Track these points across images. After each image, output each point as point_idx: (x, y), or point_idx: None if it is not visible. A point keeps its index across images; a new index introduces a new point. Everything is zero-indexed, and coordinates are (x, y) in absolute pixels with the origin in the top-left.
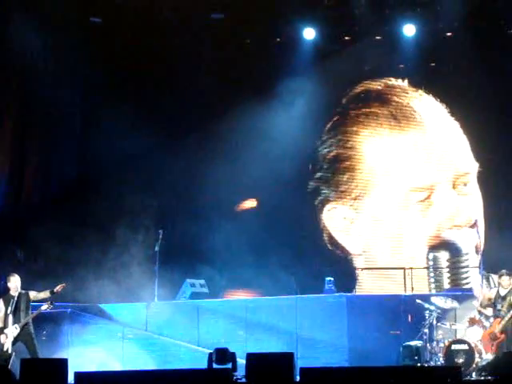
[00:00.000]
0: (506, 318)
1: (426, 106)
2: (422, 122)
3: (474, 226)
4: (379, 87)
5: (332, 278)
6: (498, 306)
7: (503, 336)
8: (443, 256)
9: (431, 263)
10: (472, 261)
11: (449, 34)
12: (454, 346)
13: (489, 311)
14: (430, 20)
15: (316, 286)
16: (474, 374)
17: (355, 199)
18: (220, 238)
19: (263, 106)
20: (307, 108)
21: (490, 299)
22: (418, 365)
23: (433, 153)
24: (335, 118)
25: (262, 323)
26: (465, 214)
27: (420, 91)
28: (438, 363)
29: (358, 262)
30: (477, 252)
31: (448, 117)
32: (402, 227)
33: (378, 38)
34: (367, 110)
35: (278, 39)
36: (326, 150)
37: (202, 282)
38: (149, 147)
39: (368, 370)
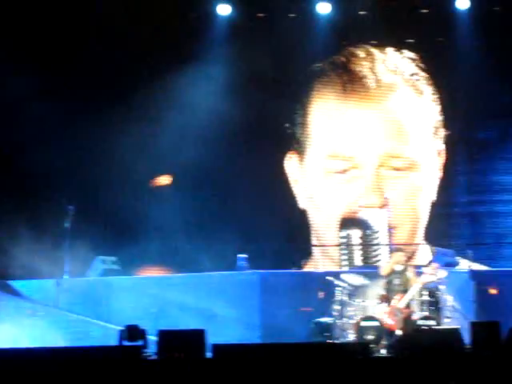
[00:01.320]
0: (410, 294)
1: (388, 76)
2: (370, 94)
3: (384, 206)
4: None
5: (245, 255)
6: (397, 281)
7: (408, 310)
8: (355, 233)
9: (343, 240)
10: (383, 238)
11: (362, 12)
12: (363, 323)
13: None
14: None
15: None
16: (383, 351)
17: (301, 153)
18: (135, 213)
19: (182, 80)
20: (229, 79)
21: (385, 275)
22: (329, 341)
23: (364, 127)
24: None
25: (175, 300)
26: (373, 196)
27: (396, 53)
28: (348, 340)
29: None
30: (389, 230)
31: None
32: (324, 193)
33: (292, 15)
34: (326, 71)
35: (195, 14)
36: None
37: (114, 258)
38: (62, 117)
39: (279, 346)
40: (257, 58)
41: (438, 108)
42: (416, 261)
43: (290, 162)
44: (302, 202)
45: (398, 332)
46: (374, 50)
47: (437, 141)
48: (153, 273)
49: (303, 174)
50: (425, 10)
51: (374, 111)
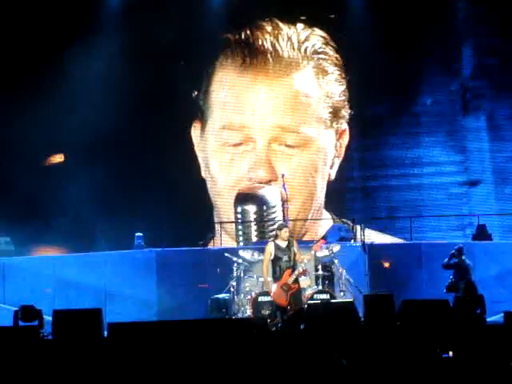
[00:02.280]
0: (300, 269)
1: (293, 52)
2: (271, 68)
3: (273, 180)
4: (249, 28)
5: (141, 234)
6: (285, 258)
7: (297, 286)
8: (251, 209)
9: (239, 216)
10: (279, 213)
11: None
12: (260, 298)
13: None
14: None
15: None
16: (279, 325)
17: (203, 123)
18: (25, 194)
19: (80, 54)
20: (129, 50)
21: (270, 253)
22: (226, 317)
23: (260, 100)
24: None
25: (71, 280)
26: (265, 169)
27: (301, 25)
28: (246, 315)
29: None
30: (283, 205)
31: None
32: (218, 164)
33: None
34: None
35: None
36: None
37: (8, 239)
38: None
39: (176, 323)
40: (157, 30)
41: (342, 88)
42: (311, 235)
43: (195, 131)
44: (203, 172)
45: (288, 307)
46: (283, 26)
47: (339, 120)
48: (48, 253)
49: (203, 144)
50: None
51: (270, 86)
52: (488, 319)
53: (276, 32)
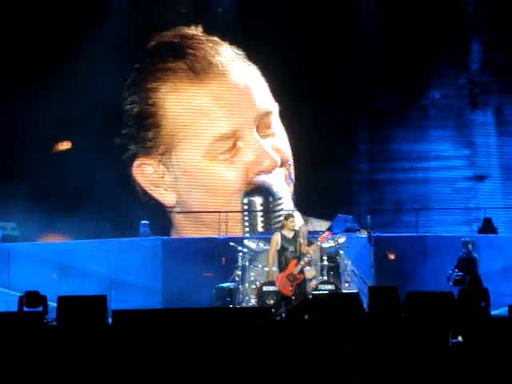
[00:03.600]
0: (306, 260)
1: (222, 54)
2: (220, 70)
3: (284, 167)
4: (174, 40)
5: (147, 221)
6: (291, 248)
7: (302, 276)
8: (257, 200)
9: (246, 207)
10: (286, 204)
11: None
12: (265, 288)
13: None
14: None
15: (133, 230)
16: (284, 315)
17: (163, 154)
18: (32, 180)
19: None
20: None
21: (276, 243)
22: (231, 306)
23: (232, 100)
24: (134, 75)
25: (76, 267)
26: (270, 157)
27: (216, 38)
28: (250, 304)
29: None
30: (290, 194)
31: (246, 62)
32: (212, 177)
33: None
34: (164, 65)
35: None
36: (128, 107)
37: (14, 224)
38: None
39: (180, 311)
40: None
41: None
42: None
43: (143, 169)
44: (169, 201)
45: (293, 297)
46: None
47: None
48: (54, 239)
49: (171, 172)
50: None
51: (230, 82)
52: (492, 312)
53: (191, 40)
